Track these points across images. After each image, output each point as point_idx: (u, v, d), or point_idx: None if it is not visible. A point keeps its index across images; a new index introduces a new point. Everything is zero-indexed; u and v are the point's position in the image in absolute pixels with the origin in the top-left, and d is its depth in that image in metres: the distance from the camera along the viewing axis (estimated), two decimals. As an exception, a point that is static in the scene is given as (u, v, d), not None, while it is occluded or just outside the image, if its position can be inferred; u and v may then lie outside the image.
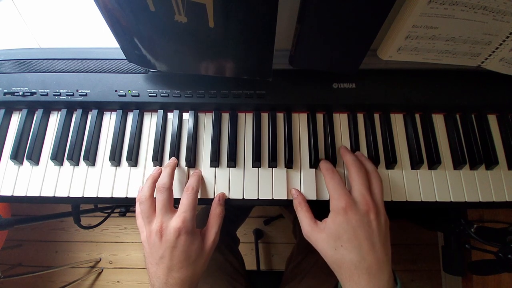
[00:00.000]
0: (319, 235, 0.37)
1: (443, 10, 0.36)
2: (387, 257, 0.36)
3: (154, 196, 0.41)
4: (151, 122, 0.49)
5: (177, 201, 0.42)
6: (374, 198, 0.38)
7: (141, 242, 0.41)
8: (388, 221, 0.38)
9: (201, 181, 0.45)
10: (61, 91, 0.47)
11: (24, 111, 0.48)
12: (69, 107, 0.49)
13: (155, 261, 0.38)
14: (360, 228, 0.35)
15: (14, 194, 0.45)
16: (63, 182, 0.46)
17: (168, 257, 0.37)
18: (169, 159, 0.46)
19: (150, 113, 0.49)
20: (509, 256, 0.49)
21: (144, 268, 1.28)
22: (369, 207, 0.36)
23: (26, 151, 0.46)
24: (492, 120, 0.49)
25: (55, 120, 0.49)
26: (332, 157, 0.46)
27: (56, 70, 0.48)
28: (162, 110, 0.48)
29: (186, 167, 0.46)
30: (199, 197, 0.45)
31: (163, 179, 0.41)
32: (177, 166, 0.46)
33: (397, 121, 0.49)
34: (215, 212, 0.43)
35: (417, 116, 0.49)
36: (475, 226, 0.56)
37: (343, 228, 0.36)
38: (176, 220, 0.38)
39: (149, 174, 0.43)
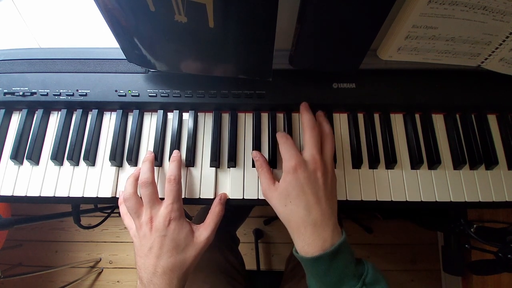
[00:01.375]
0: (273, 193, 0.39)
1: (443, 10, 0.36)
2: (331, 210, 0.38)
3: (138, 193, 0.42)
4: (151, 122, 0.49)
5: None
6: (324, 158, 0.40)
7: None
8: (335, 179, 0.41)
9: (201, 179, 0.45)
10: (61, 91, 0.47)
11: (24, 111, 0.48)
12: (69, 107, 0.49)
13: (144, 253, 0.39)
14: (307, 184, 0.37)
15: (14, 194, 0.45)
16: (63, 182, 0.46)
17: (158, 246, 0.38)
18: (169, 159, 0.46)
19: (150, 113, 0.49)
20: (509, 256, 0.49)
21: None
22: (317, 165, 0.38)
23: (26, 151, 0.46)
24: (492, 120, 0.49)
25: (55, 120, 0.49)
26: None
27: (56, 70, 0.48)
28: (162, 110, 0.48)
29: (187, 167, 0.46)
30: (199, 197, 0.45)
31: (144, 174, 0.41)
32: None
33: (397, 121, 0.49)
34: (215, 211, 0.43)
35: (417, 116, 0.49)
36: (475, 226, 0.56)
37: (292, 185, 0.38)
38: (165, 210, 0.39)
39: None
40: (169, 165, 0.44)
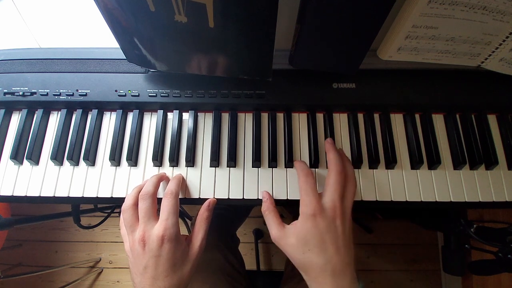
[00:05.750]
0: (288, 239, 0.38)
1: (443, 10, 0.36)
2: (350, 258, 0.37)
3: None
4: (151, 122, 0.49)
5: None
6: (344, 204, 0.38)
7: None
8: (351, 224, 0.39)
9: (200, 179, 0.45)
10: (61, 91, 0.47)
11: (24, 111, 0.48)
12: (69, 107, 0.49)
13: (139, 272, 0.37)
14: (327, 233, 0.36)
15: (14, 194, 0.45)
16: (63, 182, 0.46)
17: (153, 267, 0.37)
18: (169, 159, 0.46)
19: (150, 113, 0.49)
20: (509, 256, 0.49)
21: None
22: (337, 213, 0.37)
23: (26, 151, 0.46)
24: (492, 120, 0.48)
25: (55, 120, 0.49)
26: (332, 157, 0.45)
27: (56, 70, 0.48)
28: (162, 110, 0.48)
29: (187, 167, 0.46)
30: (199, 197, 0.45)
31: (146, 187, 0.40)
32: (176, 166, 0.46)
33: (397, 121, 0.49)
34: (202, 217, 0.42)
35: (417, 116, 0.49)
36: (475, 226, 0.56)
37: (311, 233, 0.37)
38: (158, 228, 0.37)
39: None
40: (170, 181, 0.43)
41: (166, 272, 0.37)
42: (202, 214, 0.42)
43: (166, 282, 0.37)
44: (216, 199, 0.45)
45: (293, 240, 0.38)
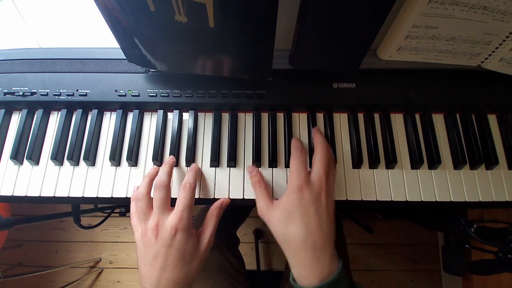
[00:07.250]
0: (273, 212, 0.38)
1: (443, 10, 0.36)
2: (331, 235, 0.37)
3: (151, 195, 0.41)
4: (151, 122, 0.49)
5: (174, 201, 0.42)
6: (329, 181, 0.39)
7: (141, 242, 0.41)
8: (334, 206, 0.40)
9: (201, 179, 0.45)
10: (61, 91, 0.47)
11: (24, 111, 0.48)
12: (69, 107, 0.49)
13: (149, 261, 0.37)
14: (311, 206, 0.37)
15: (14, 194, 0.45)
16: (63, 182, 0.46)
17: (163, 256, 0.37)
18: (169, 159, 0.46)
19: (150, 113, 0.49)
20: (509, 256, 0.49)
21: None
22: (323, 188, 0.38)
23: (26, 151, 0.46)
24: (492, 120, 0.48)
25: (55, 120, 0.49)
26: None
27: (56, 70, 0.48)
28: (162, 110, 0.48)
29: (186, 167, 0.46)
30: (199, 197, 0.45)
31: (161, 177, 0.40)
32: (177, 166, 0.46)
33: (397, 121, 0.49)
34: (212, 214, 0.42)
35: (417, 116, 0.49)
36: (475, 226, 0.56)
37: (296, 204, 0.37)
38: (173, 218, 0.38)
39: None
40: (187, 173, 0.43)
41: (175, 263, 0.37)
42: (213, 211, 0.43)
43: (174, 274, 0.37)
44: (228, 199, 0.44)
45: (278, 212, 0.38)
